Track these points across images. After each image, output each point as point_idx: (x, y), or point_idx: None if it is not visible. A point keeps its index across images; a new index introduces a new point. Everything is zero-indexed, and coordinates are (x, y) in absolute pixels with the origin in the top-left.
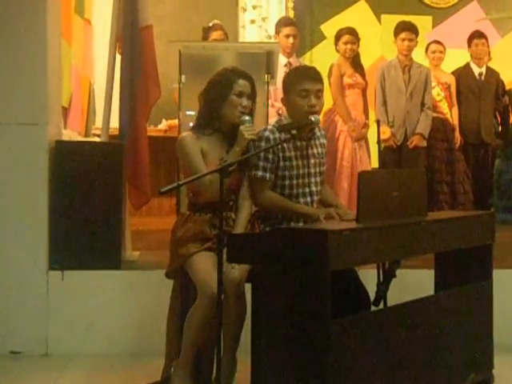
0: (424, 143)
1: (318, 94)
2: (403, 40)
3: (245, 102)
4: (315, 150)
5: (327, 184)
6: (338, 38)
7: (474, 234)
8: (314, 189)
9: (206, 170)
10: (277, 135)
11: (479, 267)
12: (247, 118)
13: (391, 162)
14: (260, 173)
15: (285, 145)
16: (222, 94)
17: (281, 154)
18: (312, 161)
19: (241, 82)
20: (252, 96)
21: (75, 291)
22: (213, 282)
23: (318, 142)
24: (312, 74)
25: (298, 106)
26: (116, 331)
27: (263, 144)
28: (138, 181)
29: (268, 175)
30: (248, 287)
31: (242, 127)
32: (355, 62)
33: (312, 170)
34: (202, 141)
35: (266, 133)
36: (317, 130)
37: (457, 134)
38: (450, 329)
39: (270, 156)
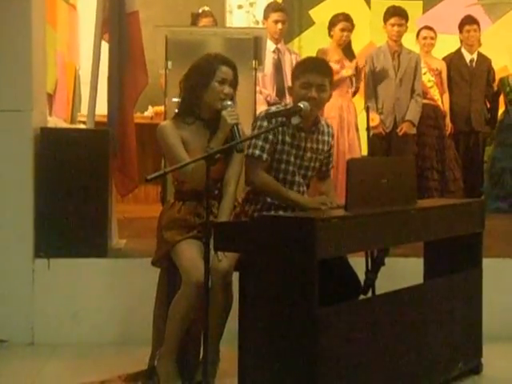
0: (413, 130)
1: (321, 87)
2: (393, 25)
3: (227, 89)
4: (314, 145)
5: (331, 180)
6: (333, 24)
7: (464, 222)
8: (301, 181)
9: (189, 159)
10: (279, 118)
11: (469, 256)
12: (229, 102)
13: (380, 149)
14: (257, 152)
15: (285, 129)
16: (203, 80)
17: (280, 137)
18: (308, 154)
19: (223, 68)
20: (234, 83)
21: (61, 279)
22: (197, 270)
23: (320, 138)
24: (317, 67)
25: (298, 96)
26: (102, 320)
27: (265, 124)
28: (126, 168)
29: (265, 156)
30: (235, 276)
31: (224, 112)
32: (346, 48)
33: (305, 163)
34: (183, 129)
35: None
36: (324, 125)
37: (447, 120)
38: (438, 317)
39: (270, 137)
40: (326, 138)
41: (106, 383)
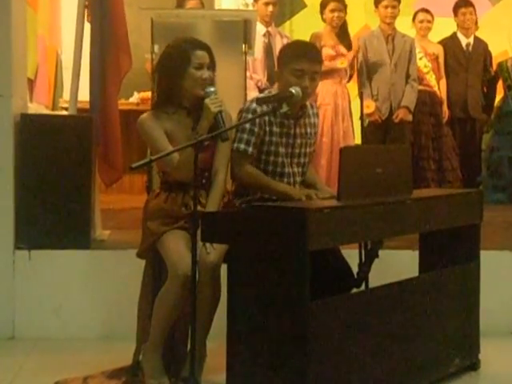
0: (410, 117)
1: (314, 75)
2: (386, 7)
3: (205, 73)
4: (303, 130)
5: (312, 167)
6: (323, 5)
7: (462, 213)
8: (296, 170)
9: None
10: (264, 108)
11: (466, 248)
12: (212, 89)
13: (375, 137)
14: (242, 146)
15: (272, 119)
16: (179, 69)
17: (267, 129)
18: (298, 141)
19: (198, 53)
20: (212, 66)
21: (43, 271)
22: (184, 262)
23: (307, 121)
24: (311, 54)
25: (289, 84)
26: (85, 313)
27: (249, 116)
28: (110, 156)
29: (250, 149)
30: (224, 269)
31: (207, 100)
32: (342, 31)
33: (297, 151)
34: (165, 120)
35: (254, 105)
36: (309, 108)
37: (445, 107)
38: (434, 312)
39: (256, 129)
40: (312, 120)
41: (90, 379)
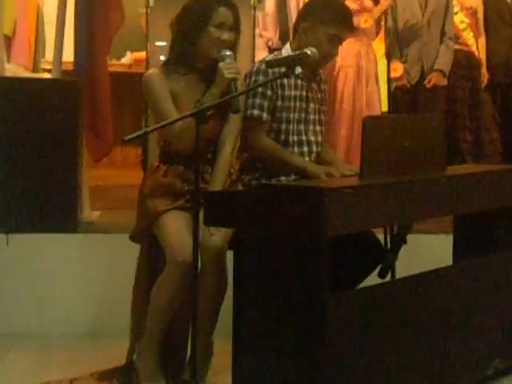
0: (444, 82)
1: (343, 42)
2: None
3: (225, 35)
4: (315, 95)
5: (327, 142)
6: None
7: (502, 193)
8: (312, 138)
9: (177, 116)
10: (276, 69)
11: (507, 233)
12: (228, 52)
13: (404, 105)
14: (256, 111)
15: (285, 81)
16: (197, 24)
17: (279, 92)
18: (311, 105)
19: (222, 10)
20: (235, 28)
21: (23, 259)
22: (185, 246)
23: (319, 86)
24: (350, 21)
25: (321, 47)
26: (71, 306)
27: (260, 78)
28: (98, 127)
29: (265, 115)
30: (230, 255)
31: (221, 64)
32: None
33: (311, 117)
34: (174, 80)
35: (263, 65)
36: (320, 72)
37: (483, 70)
38: (470, 306)
39: (269, 93)
40: (323, 86)
41: (76, 382)
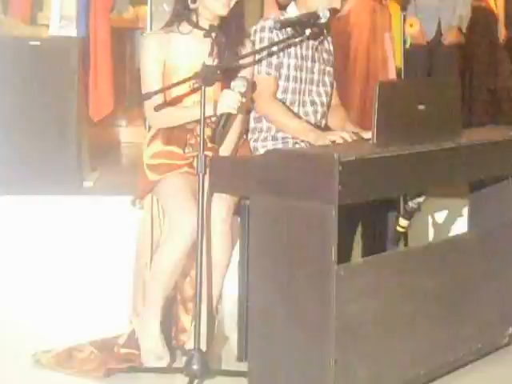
0: (461, 38)
1: None
2: None
3: None
4: (321, 55)
5: (341, 105)
6: None
7: None
8: (316, 99)
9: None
10: (289, 29)
11: None
12: (240, 82)
13: (419, 62)
14: (265, 69)
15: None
16: None
17: (286, 50)
18: (317, 66)
19: None
20: None
21: (19, 222)
22: (188, 214)
23: (325, 48)
24: None
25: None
26: (69, 271)
27: (267, 35)
28: (100, 84)
29: (273, 72)
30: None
31: (226, 91)
32: None
33: (316, 77)
34: (175, 41)
35: (269, 21)
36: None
37: (501, 26)
38: (484, 275)
39: (276, 50)
40: (330, 47)
41: (75, 351)
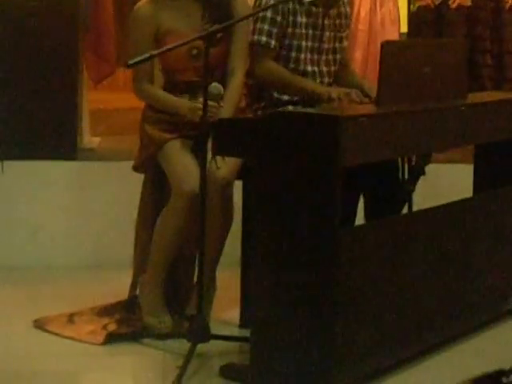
0: (468, 1)
1: None
2: None
3: None
4: (333, 21)
5: (351, 65)
6: None
7: None
8: (324, 68)
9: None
10: None
11: None
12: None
13: (425, 26)
14: (264, 38)
15: (297, 7)
16: None
17: (291, 18)
18: (327, 33)
19: None
20: None
21: (19, 187)
22: (190, 177)
23: (338, 11)
24: None
25: None
26: (70, 238)
27: (271, 2)
28: (100, 46)
29: (273, 42)
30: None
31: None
32: None
33: (325, 46)
34: (167, 8)
35: None
36: None
37: None
38: (490, 239)
39: (278, 19)
40: (344, 9)
41: (76, 317)
